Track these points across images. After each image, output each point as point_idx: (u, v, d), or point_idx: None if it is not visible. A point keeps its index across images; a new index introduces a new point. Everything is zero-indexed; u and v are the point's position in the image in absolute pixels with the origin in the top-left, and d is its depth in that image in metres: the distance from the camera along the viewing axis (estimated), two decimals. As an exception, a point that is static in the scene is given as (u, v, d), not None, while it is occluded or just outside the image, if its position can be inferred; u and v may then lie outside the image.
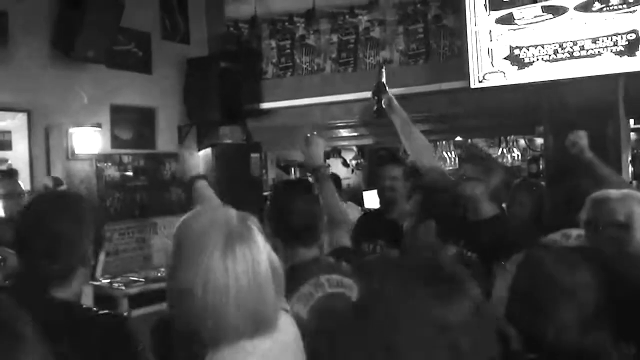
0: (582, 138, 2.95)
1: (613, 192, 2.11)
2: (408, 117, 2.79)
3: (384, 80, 2.80)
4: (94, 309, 1.69)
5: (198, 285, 1.23)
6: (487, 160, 2.85)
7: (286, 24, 5.93)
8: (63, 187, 4.23)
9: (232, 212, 1.36)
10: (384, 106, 2.79)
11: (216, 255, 1.25)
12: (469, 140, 6.61)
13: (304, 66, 5.87)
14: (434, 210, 2.76)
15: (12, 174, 4.24)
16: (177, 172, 2.02)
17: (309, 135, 2.42)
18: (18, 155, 4.54)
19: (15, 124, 4.56)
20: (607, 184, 2.47)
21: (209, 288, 1.23)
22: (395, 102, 2.78)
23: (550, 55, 4.35)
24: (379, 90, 2.81)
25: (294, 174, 8.11)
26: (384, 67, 2.86)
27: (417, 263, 1.06)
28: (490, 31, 4.57)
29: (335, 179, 5.27)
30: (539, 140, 6.37)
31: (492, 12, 4.55)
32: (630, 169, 4.77)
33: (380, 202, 3.27)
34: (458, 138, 5.51)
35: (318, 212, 2.02)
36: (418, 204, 3.01)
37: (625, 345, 1.43)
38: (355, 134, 5.89)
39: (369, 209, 5.21)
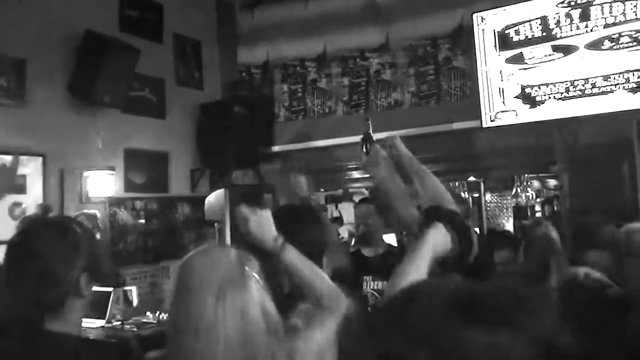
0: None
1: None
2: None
3: (370, 132, 2.65)
4: (95, 339, 1.66)
5: (190, 330, 1.28)
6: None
7: (298, 68, 6.01)
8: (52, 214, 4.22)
9: (232, 255, 1.38)
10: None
11: (209, 302, 1.28)
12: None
13: (316, 109, 5.92)
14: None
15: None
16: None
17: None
18: (32, 199, 4.54)
19: (30, 167, 4.58)
20: None
21: (200, 336, 1.27)
22: (383, 153, 2.44)
23: (562, 94, 4.35)
24: (367, 141, 2.65)
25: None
26: (369, 120, 2.72)
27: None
28: (501, 71, 4.60)
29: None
30: (552, 181, 6.32)
31: (502, 52, 4.59)
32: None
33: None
34: (471, 178, 5.47)
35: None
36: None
37: None
38: (367, 175, 5.85)
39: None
